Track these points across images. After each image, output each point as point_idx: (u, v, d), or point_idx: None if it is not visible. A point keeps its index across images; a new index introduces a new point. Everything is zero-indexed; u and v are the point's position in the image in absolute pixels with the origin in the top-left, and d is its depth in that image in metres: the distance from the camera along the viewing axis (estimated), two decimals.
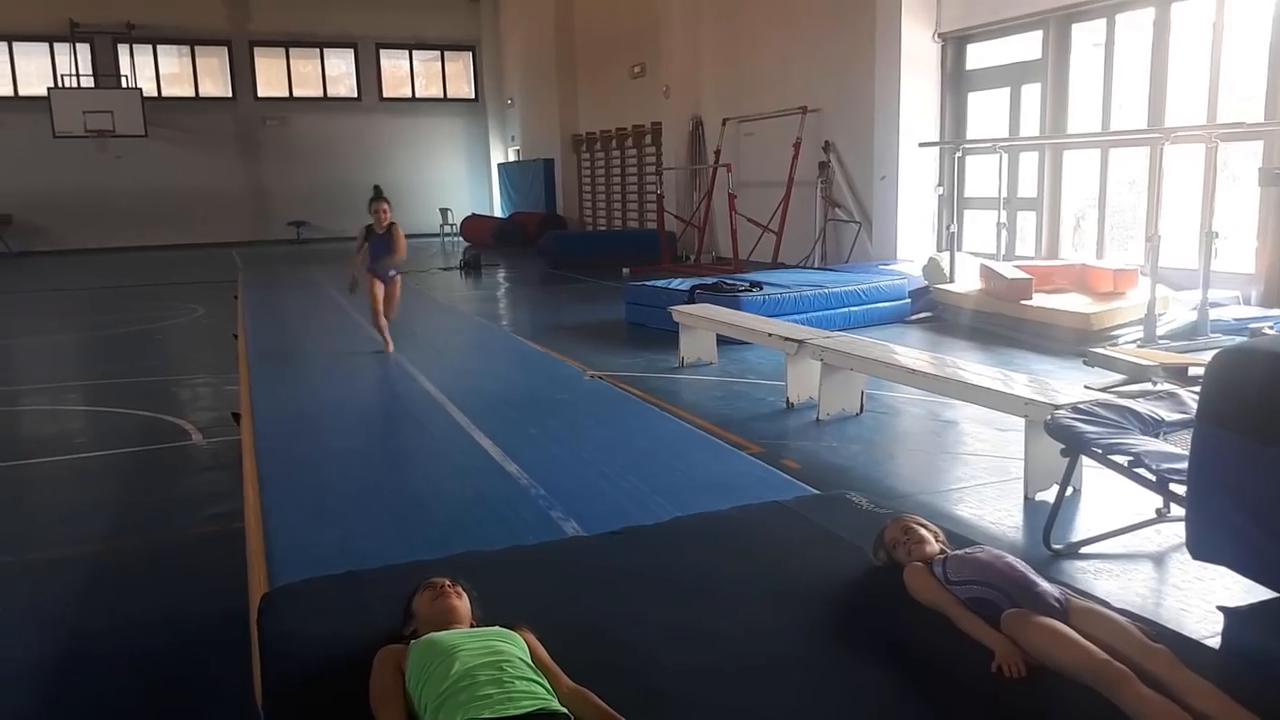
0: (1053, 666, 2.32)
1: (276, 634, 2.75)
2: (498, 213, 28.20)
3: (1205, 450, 2.75)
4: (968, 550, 2.77)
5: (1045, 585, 2.55)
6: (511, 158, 28.58)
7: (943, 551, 2.82)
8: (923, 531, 2.91)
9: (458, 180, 28.90)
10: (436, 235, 26.42)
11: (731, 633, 2.67)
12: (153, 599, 4.06)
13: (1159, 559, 3.94)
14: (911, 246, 12.94)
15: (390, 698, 2.19)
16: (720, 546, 3.28)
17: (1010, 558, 2.66)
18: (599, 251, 18.46)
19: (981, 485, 5.12)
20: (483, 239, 23.39)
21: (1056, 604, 2.48)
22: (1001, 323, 9.33)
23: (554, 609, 2.80)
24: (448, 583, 2.58)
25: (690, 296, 9.65)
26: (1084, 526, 4.30)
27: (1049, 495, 4.32)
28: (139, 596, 4.10)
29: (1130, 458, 3.54)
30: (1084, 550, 4.03)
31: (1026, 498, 4.72)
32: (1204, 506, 2.78)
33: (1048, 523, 4.03)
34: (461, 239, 24.79)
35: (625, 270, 15.75)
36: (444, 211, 26.71)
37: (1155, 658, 2.24)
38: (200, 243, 25.78)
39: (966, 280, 10.32)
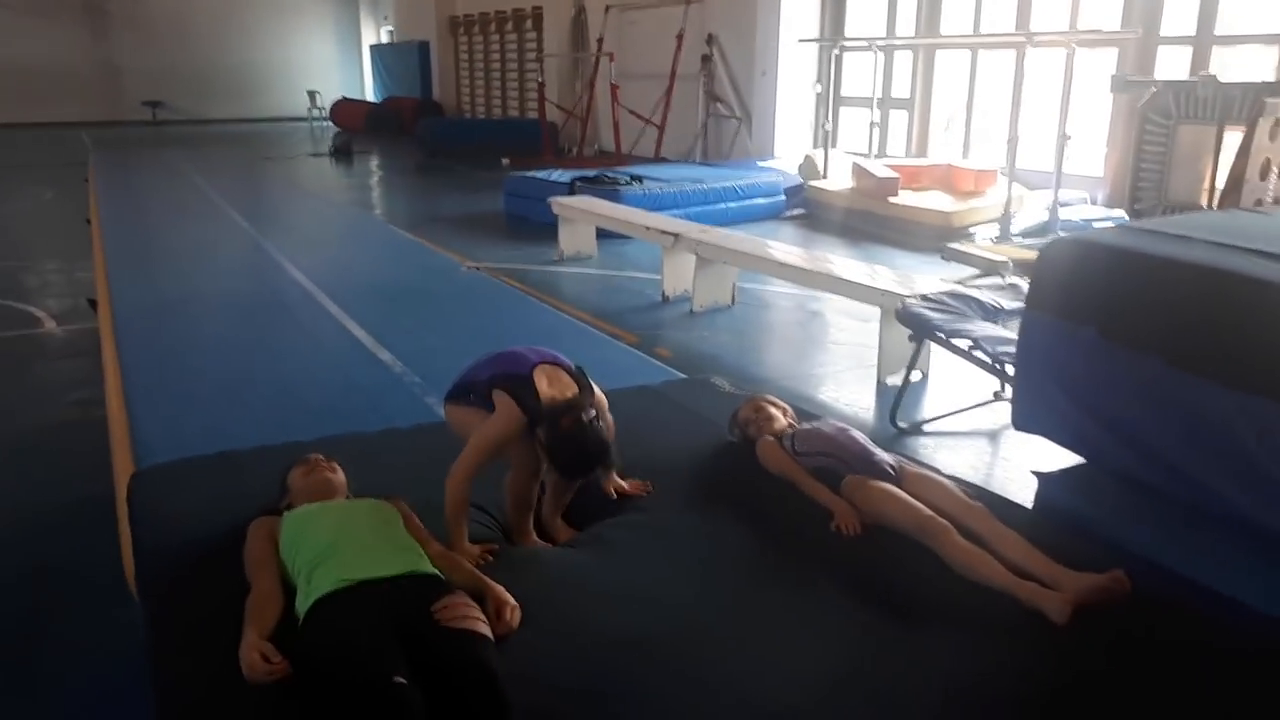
0: (885, 523, 2.56)
1: (147, 513, 2.77)
2: (370, 97, 27.04)
3: (1030, 332, 3.01)
4: (813, 424, 2.99)
5: (881, 454, 2.79)
6: (384, 39, 27.31)
7: (791, 427, 3.04)
8: (772, 410, 3.12)
9: (327, 62, 27.51)
10: (304, 120, 25.21)
11: (599, 504, 2.83)
12: (11, 485, 3.97)
13: (992, 435, 4.29)
14: (790, 144, 13.13)
15: (264, 563, 2.25)
16: None
17: (852, 431, 2.88)
18: (478, 140, 17.99)
19: (840, 371, 5.42)
20: (354, 125, 22.43)
21: (890, 470, 2.73)
22: (870, 220, 9.66)
23: (429, 486, 2.89)
24: (322, 458, 2.64)
25: (571, 189, 9.62)
26: (929, 407, 4.64)
27: (900, 379, 4.62)
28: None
29: (970, 341, 3.82)
30: (926, 428, 4.36)
31: (879, 382, 5.03)
32: (1027, 383, 3.06)
33: (894, 403, 4.33)
34: (331, 124, 23.73)
35: (505, 161, 15.47)
36: (312, 95, 25.43)
37: (973, 514, 2.50)
38: (44, 122, 23.91)
39: (839, 178, 10.59)
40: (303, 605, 2.08)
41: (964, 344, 3.86)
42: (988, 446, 4.18)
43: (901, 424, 4.32)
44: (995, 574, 2.28)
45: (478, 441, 2.54)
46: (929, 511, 2.49)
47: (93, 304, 5.78)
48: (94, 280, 6.36)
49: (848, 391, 5.00)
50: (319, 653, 1.91)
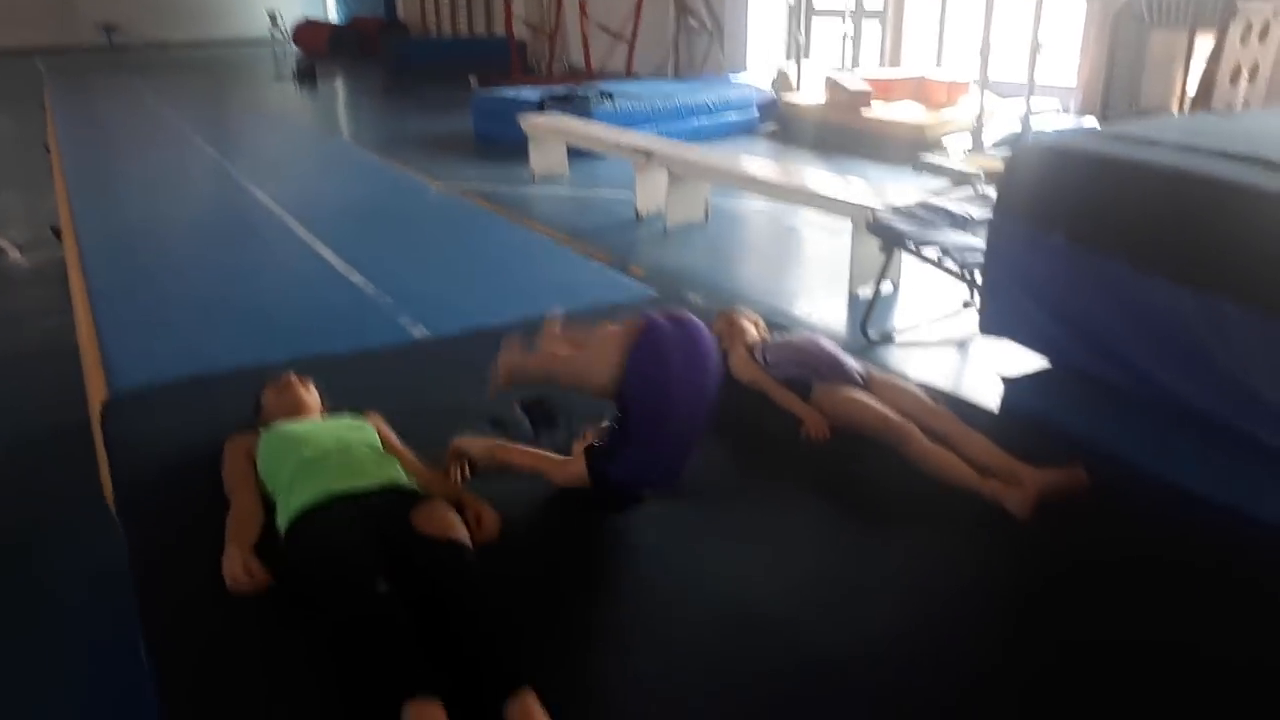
0: (854, 429, 2.62)
1: (123, 436, 2.78)
2: (333, 18, 26.26)
3: (998, 239, 3.04)
4: (784, 336, 3.02)
5: (851, 363, 2.83)
6: None
7: (763, 339, 3.07)
8: (744, 322, 3.15)
9: None
10: (265, 43, 24.49)
11: (570, 417, 2.86)
12: None
13: (960, 342, 4.35)
14: (762, 57, 12.92)
15: (243, 479, 2.28)
16: None
17: (822, 341, 2.92)
18: (445, 60, 17.56)
19: (813, 284, 5.45)
20: (317, 47, 21.82)
21: (859, 378, 2.78)
22: (843, 133, 9.59)
23: (403, 402, 2.91)
24: (294, 376, 2.65)
25: (540, 107, 9.46)
26: (899, 317, 4.69)
27: (871, 291, 4.64)
28: None
29: (939, 250, 3.85)
30: (897, 337, 4.41)
31: (851, 294, 5.06)
32: (995, 289, 3.10)
33: (865, 314, 4.38)
34: (294, 47, 23.07)
35: (473, 80, 15.14)
36: (272, 16, 24.67)
37: (938, 417, 2.56)
38: None
39: (812, 91, 10.47)
40: (284, 521, 2.11)
41: (933, 253, 3.89)
42: (956, 353, 4.24)
43: (872, 334, 4.37)
44: (959, 473, 2.35)
45: (535, 465, 2.43)
46: (896, 416, 2.54)
47: (56, 232, 5.68)
48: (56, 208, 6.24)
49: (820, 304, 5.03)
50: (302, 565, 1.94)
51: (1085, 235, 2.72)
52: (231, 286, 4.54)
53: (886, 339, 4.38)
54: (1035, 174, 2.94)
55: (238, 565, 1.94)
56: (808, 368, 2.83)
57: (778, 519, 2.31)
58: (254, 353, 3.58)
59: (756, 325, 3.16)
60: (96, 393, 3.38)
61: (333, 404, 2.68)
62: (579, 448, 2.42)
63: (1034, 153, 3.04)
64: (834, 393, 2.70)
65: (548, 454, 2.44)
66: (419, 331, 3.80)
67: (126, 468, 2.60)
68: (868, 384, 2.76)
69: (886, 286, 4.66)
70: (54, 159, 7.64)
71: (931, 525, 2.25)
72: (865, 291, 4.97)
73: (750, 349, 3.02)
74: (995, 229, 3.03)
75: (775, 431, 2.70)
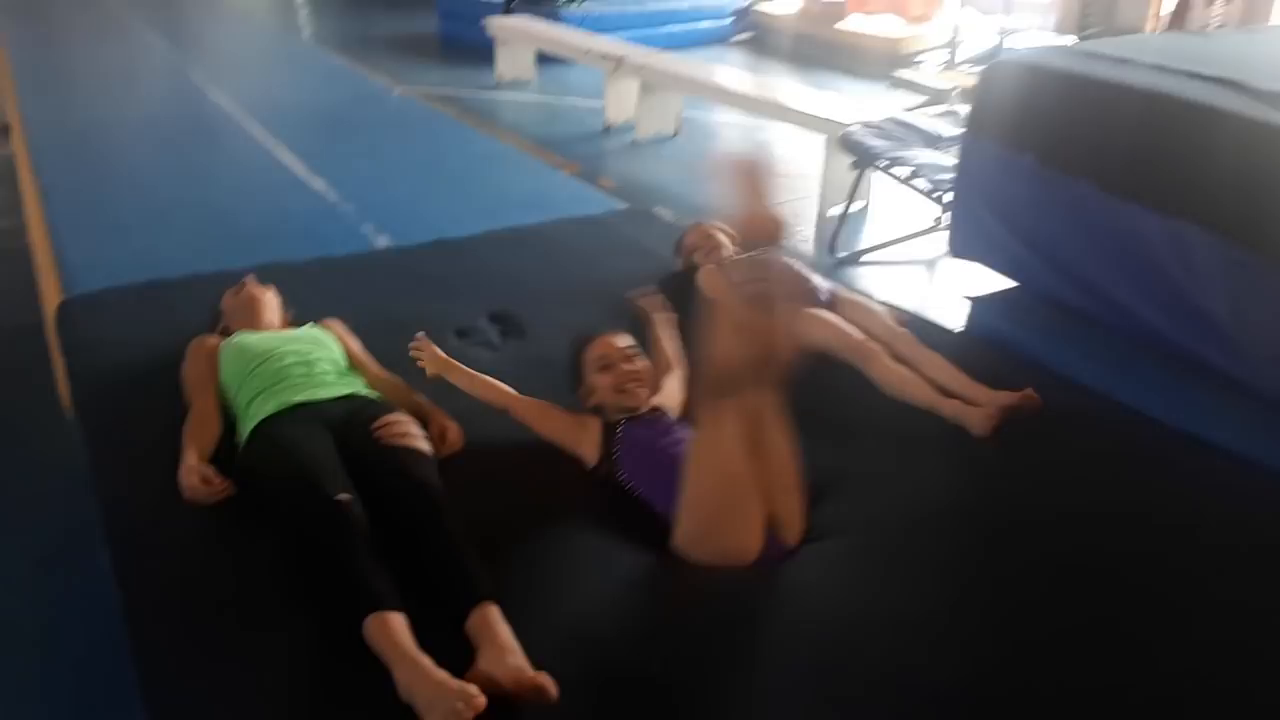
0: (819, 349, 2.62)
1: (80, 340, 2.73)
2: None
3: (969, 158, 3.01)
4: (752, 254, 2.99)
5: (817, 281, 2.82)
6: None
7: (732, 256, 3.05)
8: (720, 236, 3.12)
9: None
10: None
11: (537, 330, 2.85)
12: None
13: (929, 263, 4.35)
14: None
15: (203, 383, 2.25)
16: (531, 254, 3.40)
17: (788, 259, 2.90)
18: None
19: (783, 201, 5.40)
20: None
21: (824, 298, 2.77)
22: (818, 45, 9.41)
23: (366, 312, 2.87)
24: (254, 280, 2.60)
25: (507, 8, 9.17)
26: (869, 236, 4.67)
27: (842, 210, 4.62)
28: None
29: (910, 169, 3.82)
30: (865, 258, 4.41)
31: (821, 211, 5.03)
32: (964, 209, 3.09)
33: (834, 232, 4.36)
34: None
35: None
36: None
37: (900, 339, 2.57)
38: None
39: (788, 1, 10.23)
40: (243, 431, 2.09)
41: (903, 172, 3.86)
42: (924, 273, 4.24)
43: (840, 253, 4.36)
44: (921, 393, 2.38)
45: (504, 403, 2.27)
46: (860, 336, 2.55)
47: (4, 129, 5.47)
48: (3, 104, 6.00)
49: (789, 221, 5.00)
50: (263, 474, 1.93)
51: (1055, 156, 2.70)
52: (188, 190, 4.43)
53: (854, 258, 4.38)
54: (1007, 92, 2.91)
55: (194, 475, 1.93)
56: (773, 286, 2.81)
57: None
58: (212, 259, 3.50)
59: (731, 240, 3.13)
60: (51, 295, 3.31)
61: (295, 314, 2.64)
62: (593, 422, 2.15)
63: (1006, 69, 3.00)
64: (799, 312, 2.70)
65: (521, 396, 2.24)
66: (382, 241, 3.74)
67: (84, 371, 2.56)
68: (833, 304, 2.76)
69: (857, 204, 4.64)
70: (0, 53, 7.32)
71: (895, 442, 2.27)
72: (836, 210, 4.95)
73: (719, 264, 3.00)
74: (966, 149, 3.01)
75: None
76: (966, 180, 3.05)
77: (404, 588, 1.67)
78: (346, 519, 1.73)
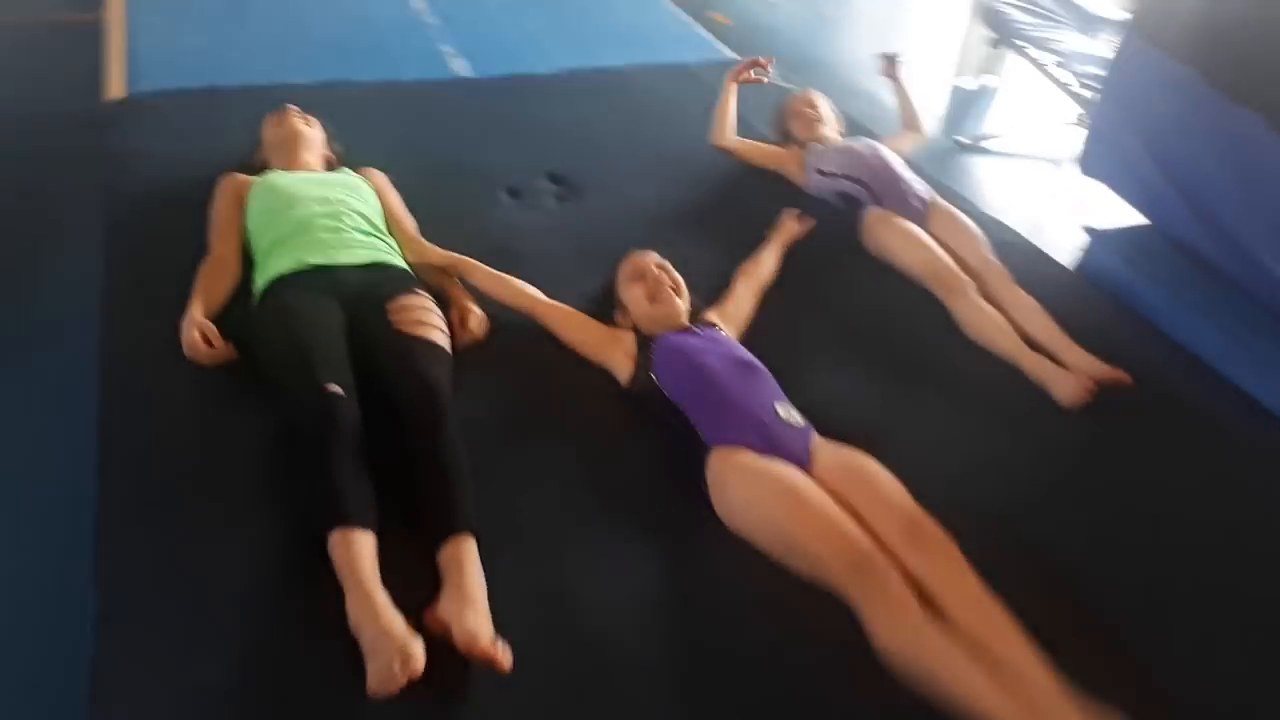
0: (899, 266, 2.35)
1: (123, 148, 2.62)
2: None
3: (1124, 60, 2.56)
4: (848, 141, 2.67)
5: (914, 185, 2.50)
6: None
7: (832, 138, 2.72)
8: (825, 111, 2.79)
9: None
10: None
11: (595, 199, 2.61)
12: (8, 91, 3.79)
13: (1056, 164, 3.89)
14: None
15: (226, 227, 2.12)
16: (610, 104, 3.12)
17: (886, 153, 2.58)
18: None
19: (914, 64, 4.87)
20: None
21: (919, 204, 2.46)
22: None
23: (416, 151, 2.68)
24: (296, 109, 2.41)
25: None
26: (999, 121, 4.19)
27: (974, 85, 4.14)
28: None
29: (1058, 57, 3.34)
30: (987, 145, 3.96)
31: (954, 85, 4.53)
32: (1105, 120, 2.66)
33: (958, 113, 3.91)
34: None
35: None
36: None
37: (994, 273, 2.27)
38: None
39: None
40: (257, 283, 1.97)
41: (1046, 58, 3.37)
42: (1048, 179, 3.78)
43: (961, 138, 3.93)
44: (1005, 343, 2.10)
45: (528, 306, 2.06)
46: (949, 264, 2.26)
47: None
48: None
49: (916, 90, 4.52)
50: (262, 341, 1.81)
51: (1223, 77, 2.25)
52: None
53: (975, 144, 3.94)
54: None
55: (195, 331, 1.81)
56: (864, 185, 2.51)
57: (805, 360, 2.07)
58: (279, 65, 3.32)
59: (836, 120, 2.80)
60: (115, 86, 3.18)
61: (343, 149, 2.45)
62: (628, 335, 1.95)
63: None
64: (888, 221, 2.40)
65: (548, 300, 2.04)
66: (458, 66, 3.46)
67: (120, 185, 2.45)
68: (927, 214, 2.45)
69: (992, 80, 4.14)
70: None
71: (958, 398, 2.01)
72: (968, 83, 4.45)
73: (806, 146, 2.69)
74: (1124, 47, 2.55)
75: (820, 253, 2.42)
76: (1116, 85, 2.61)
77: (389, 493, 1.55)
78: (333, 412, 1.59)
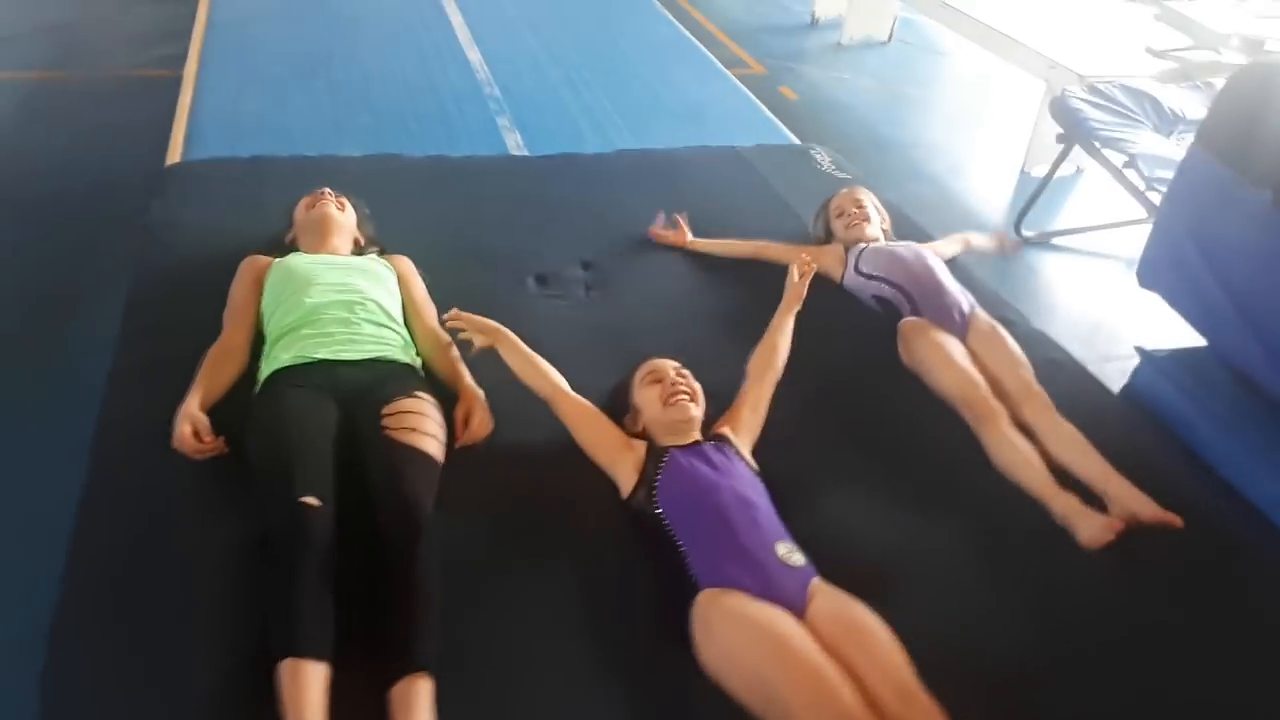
0: (931, 384, 2.22)
1: (160, 218, 2.66)
2: None
3: (1190, 171, 2.42)
4: (893, 244, 2.56)
5: (956, 296, 2.38)
6: None
7: (875, 239, 2.61)
8: (872, 211, 2.68)
9: None
10: None
11: (626, 291, 2.56)
12: (79, 141, 3.93)
13: (1128, 263, 3.70)
14: None
15: (242, 312, 2.11)
16: (655, 188, 3.04)
17: (931, 259, 2.46)
18: None
19: (985, 151, 4.74)
20: None
21: (959, 318, 2.33)
22: None
23: (451, 234, 2.66)
24: (330, 192, 2.42)
25: None
26: (1067, 215, 4.03)
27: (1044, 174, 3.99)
28: (65, 135, 3.96)
29: (1126, 158, 3.18)
30: (1055, 241, 3.81)
31: (1023, 171, 4.39)
32: (1167, 231, 2.51)
33: (1025, 205, 3.76)
34: None
35: None
36: None
37: (1033, 400, 2.13)
38: None
39: None
40: (261, 372, 1.95)
41: (1117, 159, 3.22)
42: (1109, 287, 3.58)
43: (1027, 232, 3.78)
44: (1035, 481, 1.95)
45: (548, 393, 1.98)
46: (982, 389, 2.12)
47: None
48: None
49: (983, 178, 4.40)
50: (252, 439, 1.78)
51: None
52: (342, 42, 4.24)
53: (1042, 240, 3.79)
54: (1257, 102, 2.27)
55: (187, 425, 1.78)
56: (903, 292, 2.40)
57: (828, 473, 1.98)
58: (337, 130, 3.41)
59: (883, 222, 2.69)
60: (175, 147, 3.26)
61: (379, 219, 2.45)
62: (640, 444, 1.85)
63: (1263, 74, 2.34)
64: (924, 334, 2.28)
65: (571, 392, 1.96)
66: (511, 141, 3.47)
67: (149, 256, 2.49)
68: (966, 328, 2.32)
69: (1066, 170, 3.99)
70: None
71: (978, 538, 1.87)
72: (1039, 170, 4.30)
73: (849, 246, 2.59)
74: (1191, 158, 2.40)
75: (862, 362, 2.31)
76: (1179, 196, 2.45)
77: (357, 606, 1.50)
78: (305, 527, 1.54)
